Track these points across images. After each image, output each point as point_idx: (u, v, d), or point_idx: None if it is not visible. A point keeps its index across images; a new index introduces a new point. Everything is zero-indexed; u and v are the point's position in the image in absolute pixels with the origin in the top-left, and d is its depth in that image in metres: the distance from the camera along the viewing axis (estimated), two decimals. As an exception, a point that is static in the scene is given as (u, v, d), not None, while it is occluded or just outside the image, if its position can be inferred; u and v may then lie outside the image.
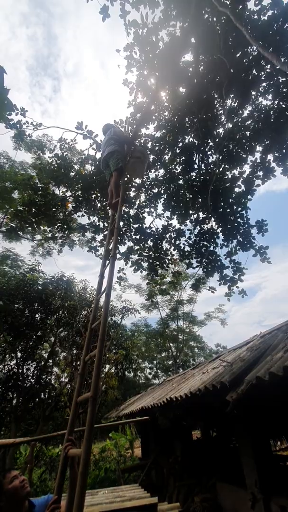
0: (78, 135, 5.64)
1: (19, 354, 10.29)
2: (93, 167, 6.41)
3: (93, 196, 6.55)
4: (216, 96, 6.26)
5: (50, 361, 11.53)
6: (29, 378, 10.32)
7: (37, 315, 10.52)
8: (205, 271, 5.12)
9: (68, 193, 6.51)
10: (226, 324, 23.25)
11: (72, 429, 1.94)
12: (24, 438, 3.93)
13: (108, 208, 5.32)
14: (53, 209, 6.19)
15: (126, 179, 5.67)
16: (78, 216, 6.38)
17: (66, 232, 6.17)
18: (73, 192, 6.39)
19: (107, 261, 2.99)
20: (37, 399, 9.97)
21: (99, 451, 12.41)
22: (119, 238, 6.14)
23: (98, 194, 6.56)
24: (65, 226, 6.35)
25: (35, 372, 10.77)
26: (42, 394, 10.18)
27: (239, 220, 4.94)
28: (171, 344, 23.45)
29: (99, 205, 6.61)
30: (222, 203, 5.16)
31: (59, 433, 3.41)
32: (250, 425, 4.05)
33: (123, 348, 11.84)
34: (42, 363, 11.19)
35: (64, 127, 5.72)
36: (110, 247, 3.25)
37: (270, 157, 5.98)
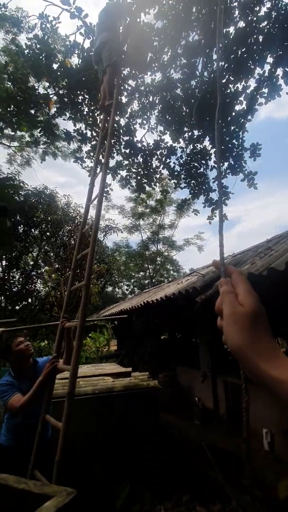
0: (64, 13, 4.64)
1: (4, 262, 10.70)
2: (80, 60, 5.51)
3: (80, 97, 5.84)
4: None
5: (37, 270, 12.14)
6: (16, 284, 11.03)
7: (19, 227, 10.52)
8: (192, 192, 5.18)
9: (51, 91, 5.73)
10: (203, 250, 24.62)
11: (66, 310, 2.32)
12: (20, 327, 4.52)
13: (99, 111, 4.82)
14: (35, 108, 5.53)
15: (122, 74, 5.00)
16: (64, 119, 5.79)
17: (50, 137, 5.68)
18: (56, 90, 5.63)
19: (97, 170, 2.98)
20: (24, 302, 10.92)
21: (80, 346, 14.46)
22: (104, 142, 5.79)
23: (86, 96, 5.84)
24: (49, 130, 5.81)
25: (20, 279, 11.47)
26: (30, 298, 11.11)
27: (234, 141, 4.77)
28: (149, 266, 25.01)
29: (86, 109, 5.97)
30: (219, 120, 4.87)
31: (55, 323, 3.97)
32: (212, 325, 4.91)
33: (105, 263, 12.57)
34: (28, 272, 11.81)
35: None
36: (100, 156, 3.17)
37: (279, 72, 5.41)
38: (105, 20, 3.19)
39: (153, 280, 25.28)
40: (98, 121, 5.91)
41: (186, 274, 5.95)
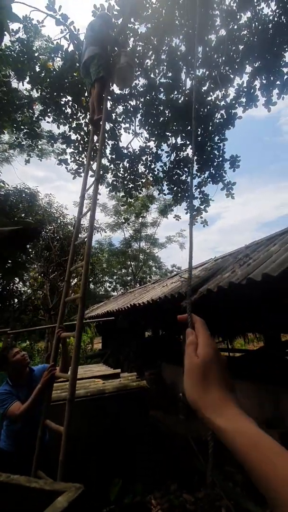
0: (48, 18, 4.61)
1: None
2: (63, 63, 5.49)
3: (63, 99, 5.83)
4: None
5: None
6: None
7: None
8: (175, 198, 5.39)
9: (35, 93, 5.68)
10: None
11: (62, 320, 2.44)
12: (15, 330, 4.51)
13: (89, 124, 4.88)
14: (18, 110, 5.47)
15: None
16: (48, 122, 5.76)
17: (35, 140, 5.64)
18: (40, 92, 5.59)
19: (87, 183, 3.07)
20: (7, 303, 10.72)
21: (64, 345, 14.46)
22: (93, 154, 5.83)
23: (69, 99, 5.85)
24: (33, 133, 5.76)
25: (0, 281, 11.21)
26: (11, 300, 10.91)
27: (215, 152, 5.01)
28: (131, 263, 25.19)
29: (70, 111, 5.97)
30: (201, 130, 5.08)
31: (51, 325, 4.07)
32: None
33: (89, 264, 12.56)
34: (8, 272, 11.55)
35: (31, 5, 4.52)
36: (91, 167, 3.26)
37: (257, 83, 5.70)
38: (93, 34, 3.26)
39: (136, 277, 25.51)
40: (83, 125, 5.94)
41: (170, 276, 6.17)
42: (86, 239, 2.37)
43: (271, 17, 5.63)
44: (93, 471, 2.79)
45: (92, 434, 2.78)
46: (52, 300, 9.92)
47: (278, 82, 5.49)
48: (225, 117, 5.52)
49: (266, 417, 3.82)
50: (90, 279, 13.98)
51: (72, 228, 10.78)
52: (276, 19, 5.59)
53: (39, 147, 8.60)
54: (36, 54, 5.30)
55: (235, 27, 5.66)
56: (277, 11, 5.54)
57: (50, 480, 1.93)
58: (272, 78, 5.61)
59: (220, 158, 4.97)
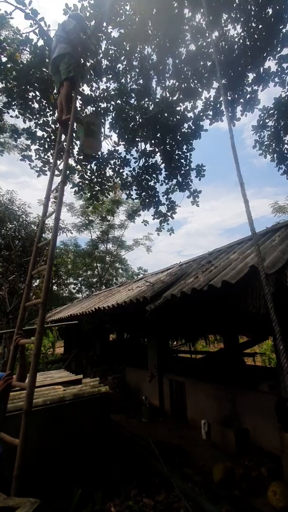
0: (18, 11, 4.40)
1: None
2: (32, 57, 5.28)
3: (30, 94, 5.60)
4: (186, 3, 5.54)
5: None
6: None
7: None
8: (143, 204, 5.45)
9: (-1, 83, 5.37)
10: (151, 251, 25.51)
11: (21, 326, 2.33)
12: None
13: (56, 123, 4.71)
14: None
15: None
16: (11, 117, 5.48)
17: (-4, 134, 5.32)
18: (4, 83, 5.30)
19: (53, 183, 2.99)
20: None
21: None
22: (60, 153, 5.64)
23: (37, 93, 5.64)
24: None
25: None
26: None
27: (182, 161, 5.18)
28: (98, 264, 24.83)
29: (37, 106, 5.75)
30: (170, 140, 5.22)
31: (9, 330, 3.85)
32: (159, 328, 5.27)
33: (53, 265, 12.13)
34: None
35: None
36: (56, 169, 3.17)
37: (222, 98, 6.02)
38: (65, 35, 3.20)
39: (102, 279, 25.17)
40: (51, 122, 5.75)
41: (136, 280, 6.21)
42: (49, 243, 2.30)
43: (236, 39, 5.98)
44: (50, 482, 2.68)
45: (50, 443, 2.68)
46: (10, 303, 9.35)
47: (241, 100, 5.86)
48: (192, 127, 5.74)
49: (223, 416, 4.01)
50: (54, 281, 13.48)
51: (35, 228, 10.34)
52: (241, 41, 5.95)
53: (0, 140, 8.12)
54: (3, 45, 5.04)
55: (204, 43, 5.92)
56: (242, 34, 5.91)
57: (3, 496, 1.82)
58: (236, 95, 5.97)
59: (187, 167, 5.15)
